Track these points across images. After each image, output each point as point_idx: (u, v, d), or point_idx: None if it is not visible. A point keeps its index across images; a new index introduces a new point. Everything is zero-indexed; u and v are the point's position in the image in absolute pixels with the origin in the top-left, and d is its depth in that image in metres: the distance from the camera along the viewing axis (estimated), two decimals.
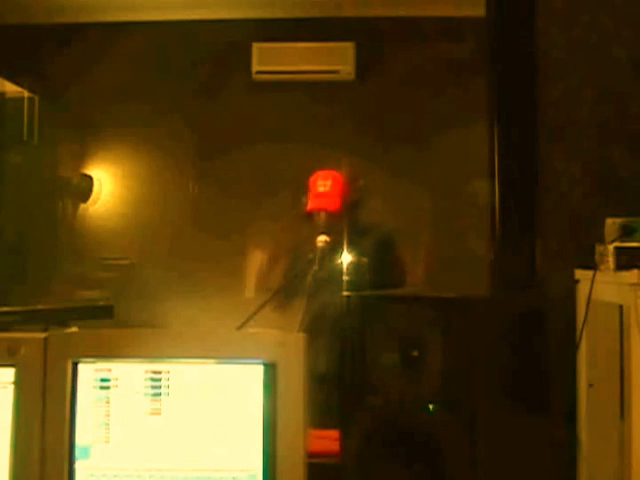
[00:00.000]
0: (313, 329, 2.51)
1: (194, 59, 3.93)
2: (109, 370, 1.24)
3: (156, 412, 1.23)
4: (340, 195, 2.63)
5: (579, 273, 2.08)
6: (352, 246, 2.71)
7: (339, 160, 2.92)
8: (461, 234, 3.61)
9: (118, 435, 1.23)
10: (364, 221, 2.91)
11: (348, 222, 2.77)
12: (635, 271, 1.72)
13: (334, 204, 2.56)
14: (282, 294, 2.59)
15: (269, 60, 3.88)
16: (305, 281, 2.55)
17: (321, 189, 2.60)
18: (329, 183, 2.60)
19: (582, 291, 2.03)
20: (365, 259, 2.67)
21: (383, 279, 2.70)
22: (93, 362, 1.25)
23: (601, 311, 1.97)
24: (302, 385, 1.22)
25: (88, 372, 1.25)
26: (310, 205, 2.56)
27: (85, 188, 4.07)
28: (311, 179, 2.63)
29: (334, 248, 2.64)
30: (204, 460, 1.22)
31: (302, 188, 3.56)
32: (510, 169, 2.19)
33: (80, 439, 1.24)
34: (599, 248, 1.96)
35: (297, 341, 1.25)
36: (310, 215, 2.63)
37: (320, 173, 2.65)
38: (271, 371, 1.22)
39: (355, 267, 2.66)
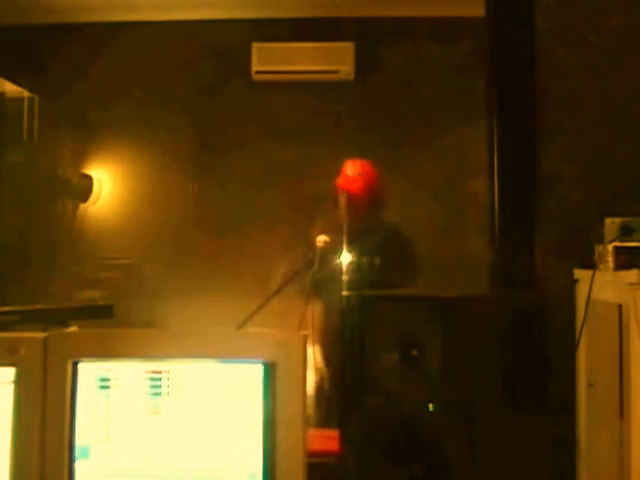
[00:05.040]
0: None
1: (194, 59, 3.94)
2: (109, 370, 1.25)
3: (156, 412, 1.23)
4: (366, 181, 2.87)
5: (578, 273, 2.08)
6: (363, 244, 2.76)
7: (338, 159, 2.93)
8: (461, 234, 3.62)
9: (118, 435, 1.24)
10: (383, 220, 2.97)
11: (369, 217, 2.86)
12: (634, 271, 1.72)
13: (358, 186, 2.83)
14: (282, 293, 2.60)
15: (269, 60, 3.88)
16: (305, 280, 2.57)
17: (349, 172, 2.89)
18: (358, 168, 2.89)
19: (581, 290, 2.03)
20: (378, 258, 2.73)
21: (395, 278, 2.74)
22: (93, 362, 1.25)
23: (600, 310, 1.97)
24: (302, 385, 1.22)
25: (88, 372, 1.25)
26: (338, 183, 2.85)
27: (85, 188, 4.07)
28: (345, 164, 2.90)
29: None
30: (204, 460, 1.22)
31: (302, 186, 3.57)
32: (510, 169, 2.18)
33: (80, 439, 1.24)
34: (598, 248, 1.96)
35: (297, 341, 1.25)
36: (337, 199, 2.86)
37: (353, 160, 2.92)
38: (271, 371, 1.22)
39: (368, 266, 2.70)
